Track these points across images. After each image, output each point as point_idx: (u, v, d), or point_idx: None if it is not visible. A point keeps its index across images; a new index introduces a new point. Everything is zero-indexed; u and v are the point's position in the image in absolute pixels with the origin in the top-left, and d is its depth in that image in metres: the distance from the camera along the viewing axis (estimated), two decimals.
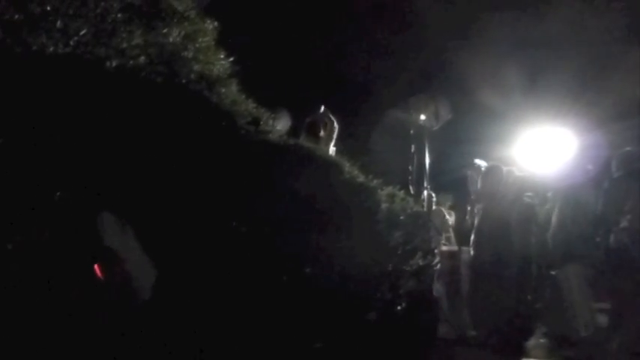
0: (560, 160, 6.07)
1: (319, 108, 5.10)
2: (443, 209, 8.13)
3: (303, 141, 4.25)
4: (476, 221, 6.25)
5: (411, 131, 7.11)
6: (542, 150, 6.52)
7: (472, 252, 6.14)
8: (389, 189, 4.79)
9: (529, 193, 6.03)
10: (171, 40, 2.93)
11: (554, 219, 5.56)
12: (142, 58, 2.71)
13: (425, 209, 6.70)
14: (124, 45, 2.66)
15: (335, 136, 5.01)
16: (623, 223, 4.80)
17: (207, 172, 2.98)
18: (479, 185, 6.45)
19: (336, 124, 4.79)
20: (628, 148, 5.16)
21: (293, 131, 4.42)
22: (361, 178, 4.33)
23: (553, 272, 5.62)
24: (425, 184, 6.90)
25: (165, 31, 2.92)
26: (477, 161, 6.93)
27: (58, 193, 2.28)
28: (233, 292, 2.84)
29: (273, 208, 3.19)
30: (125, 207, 2.52)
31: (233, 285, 2.86)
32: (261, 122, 3.55)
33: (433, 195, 7.54)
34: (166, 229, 2.72)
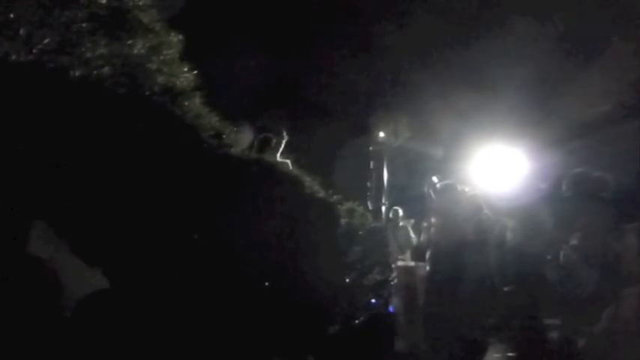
0: (514, 179, 6.23)
1: (274, 122, 5.13)
2: (407, 226, 8.23)
3: (266, 155, 4.28)
4: (432, 237, 6.35)
5: (370, 148, 7.21)
6: (497, 169, 6.69)
7: (428, 268, 6.23)
8: (348, 204, 4.85)
9: (484, 211, 6.17)
10: (135, 51, 2.93)
11: (508, 236, 5.70)
12: (106, 69, 2.70)
13: (390, 225, 6.79)
14: (89, 55, 2.64)
15: (281, 148, 5.06)
16: (573, 242, 4.96)
17: (168, 184, 2.97)
18: (435, 202, 6.57)
19: (285, 136, 4.86)
20: (578, 169, 5.34)
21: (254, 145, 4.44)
22: (321, 194, 4.38)
23: (506, 289, 5.75)
24: (383, 200, 6.99)
25: (130, 42, 2.91)
26: (434, 179, 7.06)
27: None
28: (192, 305, 2.83)
29: (234, 222, 3.20)
30: (68, 217, 2.50)
31: (192, 298, 2.85)
32: (224, 136, 3.56)
33: (400, 211, 7.64)
34: (125, 240, 2.70)
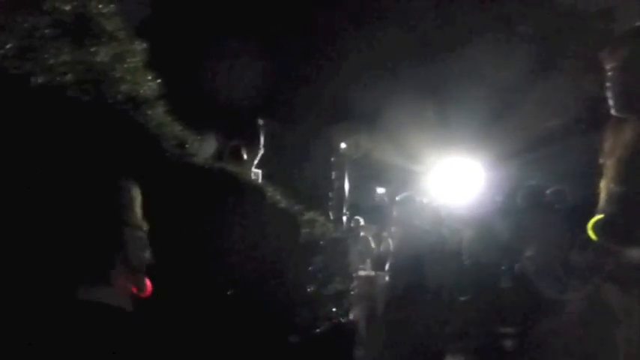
0: (472, 191, 6.39)
1: (245, 132, 5.15)
2: (368, 236, 8.32)
3: (227, 164, 4.28)
4: (392, 248, 6.44)
5: (332, 158, 7.28)
6: (455, 181, 6.84)
7: (388, 277, 6.32)
8: (310, 214, 4.89)
9: (443, 222, 6.29)
10: (99, 59, 2.91)
11: (465, 248, 5.83)
12: (69, 76, 2.67)
13: (351, 235, 6.86)
14: (51, 61, 2.62)
15: (257, 160, 5.06)
16: (528, 253, 5.11)
17: (129, 192, 2.95)
18: (395, 213, 6.67)
19: (261, 148, 4.87)
20: (532, 182, 5.52)
21: (219, 155, 4.44)
22: (283, 204, 4.40)
23: (463, 298, 5.87)
24: (344, 211, 7.05)
25: (93, 49, 2.89)
26: (395, 190, 7.18)
27: None
28: (152, 316, 2.81)
29: (194, 231, 3.20)
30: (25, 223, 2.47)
31: (152, 308, 2.83)
32: (187, 145, 3.56)
33: (361, 221, 7.71)
34: (84, 248, 2.67)
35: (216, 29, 10.82)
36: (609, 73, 2.03)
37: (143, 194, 2.80)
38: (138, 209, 2.62)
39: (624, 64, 2.00)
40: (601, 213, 1.99)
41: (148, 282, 2.63)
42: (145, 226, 2.62)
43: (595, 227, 2.00)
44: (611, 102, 2.02)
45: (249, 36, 10.38)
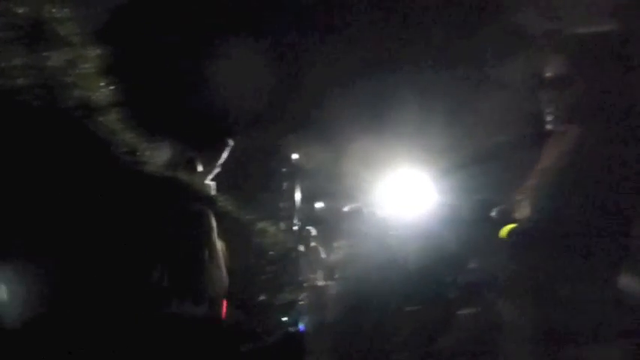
0: (419, 203, 6.52)
1: (201, 142, 5.12)
2: (319, 246, 8.36)
3: (181, 174, 4.26)
4: (341, 258, 6.53)
5: (283, 169, 7.32)
6: (402, 192, 6.96)
7: (337, 288, 6.39)
8: (261, 224, 4.92)
9: (391, 233, 6.41)
10: (52, 64, 2.88)
11: (412, 258, 5.96)
12: (21, 80, 2.64)
13: (302, 245, 6.89)
14: (3, 65, 2.58)
15: (214, 171, 5.04)
16: (472, 265, 5.27)
17: (79, 199, 2.93)
18: (344, 224, 6.76)
19: (218, 160, 4.85)
20: (478, 197, 5.70)
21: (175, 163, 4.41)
22: (235, 213, 4.42)
23: (409, 309, 5.99)
24: (295, 221, 7.10)
25: (46, 54, 2.86)
26: (341, 201, 7.27)
27: None
28: (91, 325, 2.79)
29: (145, 239, 3.19)
30: None
31: (91, 318, 2.81)
32: (139, 153, 3.54)
33: (312, 231, 7.75)
34: (34, 255, 2.64)
35: (181, 37, 10.76)
36: (549, 88, 2.14)
37: (91, 200, 2.79)
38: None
39: (562, 79, 2.12)
40: (518, 221, 2.09)
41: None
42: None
43: (508, 234, 2.11)
44: (551, 116, 2.14)
45: (214, 46, 10.36)
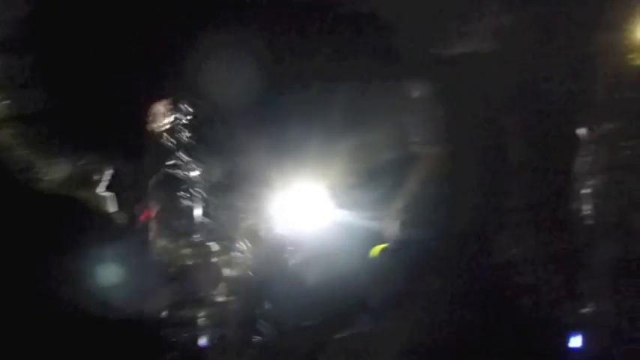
0: (317, 219, 6.69)
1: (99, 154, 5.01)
2: (220, 261, 8.30)
3: (77, 189, 4.18)
4: (240, 274, 6.59)
5: (184, 186, 7.26)
6: (299, 208, 7.06)
7: (236, 303, 6.45)
8: (160, 241, 4.89)
9: (287, 249, 6.55)
10: None
11: (308, 274, 6.12)
12: None
13: (204, 261, 6.85)
14: None
15: (106, 183, 4.95)
16: (367, 281, 5.49)
17: None
18: (243, 240, 6.84)
19: (110, 173, 4.76)
20: (368, 213, 5.96)
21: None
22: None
23: (305, 324, 6.14)
24: (195, 236, 7.05)
25: None
26: (242, 216, 7.32)
27: None
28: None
29: (39, 258, 3.15)
30: None
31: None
32: (35, 169, 3.48)
33: (214, 247, 7.70)
34: None
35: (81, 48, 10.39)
36: (415, 111, 2.34)
37: None
38: None
39: (426, 102, 2.33)
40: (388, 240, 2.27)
41: None
42: None
43: (378, 254, 2.29)
44: (418, 139, 2.33)
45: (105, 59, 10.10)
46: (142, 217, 4.14)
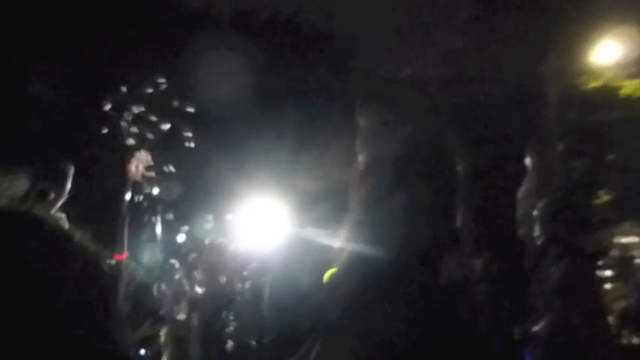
0: (276, 234, 6.71)
1: (54, 171, 4.98)
2: (183, 279, 8.31)
3: (34, 206, 4.15)
4: (202, 291, 6.61)
5: (145, 203, 7.24)
6: (258, 225, 7.08)
7: (198, 321, 6.45)
8: None
9: (249, 265, 6.58)
10: None
11: (267, 292, 6.15)
12: None
13: (166, 278, 6.83)
14: None
15: (60, 202, 4.92)
16: (327, 299, 5.54)
17: None
18: (204, 257, 6.86)
19: (67, 186, 4.72)
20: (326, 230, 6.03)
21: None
22: (92, 248, 4.37)
23: (266, 341, 6.16)
24: (157, 253, 7.03)
25: None
26: (203, 233, 7.34)
27: None
28: None
29: None
30: None
31: None
32: None
33: (176, 264, 7.71)
34: None
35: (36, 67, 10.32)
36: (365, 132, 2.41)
37: None
38: None
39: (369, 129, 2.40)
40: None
41: None
42: None
43: (329, 279, 2.34)
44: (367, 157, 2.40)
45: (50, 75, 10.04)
46: (117, 258, 4.18)
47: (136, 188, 4.96)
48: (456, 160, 2.62)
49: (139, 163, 4.51)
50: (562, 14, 12.30)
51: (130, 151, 4.71)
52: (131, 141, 5.68)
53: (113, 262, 4.55)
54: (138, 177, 4.59)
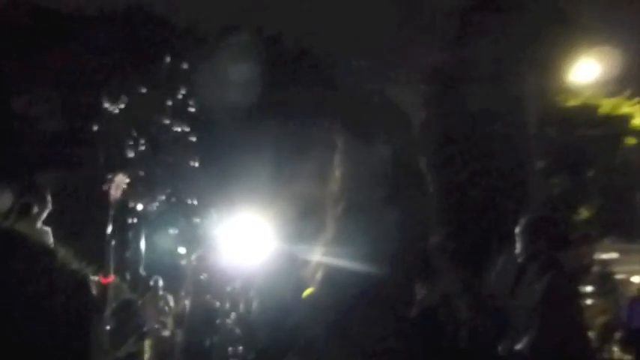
0: (260, 250, 6.72)
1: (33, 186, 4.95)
2: (167, 295, 8.31)
3: (15, 222, 4.12)
4: (187, 306, 6.60)
5: (130, 220, 7.25)
6: (244, 238, 7.10)
7: (182, 336, 6.43)
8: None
9: (235, 280, 6.59)
10: None
11: (255, 305, 6.16)
12: None
13: (150, 295, 6.83)
14: None
15: (45, 214, 4.89)
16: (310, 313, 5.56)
17: None
18: (190, 271, 6.85)
19: (48, 201, 4.69)
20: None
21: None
22: (75, 265, 4.36)
23: (251, 357, 6.16)
24: (141, 270, 7.04)
25: None
26: (187, 248, 7.36)
27: None
28: None
29: None
30: None
31: None
32: None
33: (160, 280, 7.71)
34: None
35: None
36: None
37: None
38: None
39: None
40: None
41: None
42: None
43: (307, 297, 2.38)
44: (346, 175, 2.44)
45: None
46: (103, 281, 4.19)
47: (119, 208, 4.95)
48: (433, 177, 2.67)
49: (119, 184, 4.52)
50: (541, 34, 12.56)
51: (108, 174, 4.72)
52: (112, 161, 5.70)
53: (97, 279, 4.54)
54: (118, 196, 4.60)
